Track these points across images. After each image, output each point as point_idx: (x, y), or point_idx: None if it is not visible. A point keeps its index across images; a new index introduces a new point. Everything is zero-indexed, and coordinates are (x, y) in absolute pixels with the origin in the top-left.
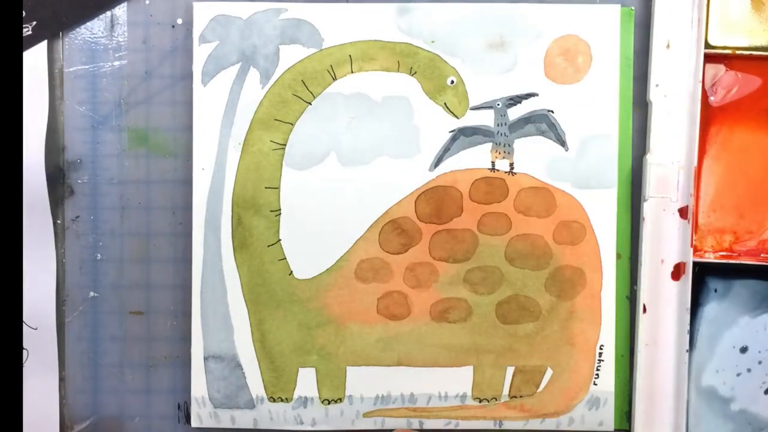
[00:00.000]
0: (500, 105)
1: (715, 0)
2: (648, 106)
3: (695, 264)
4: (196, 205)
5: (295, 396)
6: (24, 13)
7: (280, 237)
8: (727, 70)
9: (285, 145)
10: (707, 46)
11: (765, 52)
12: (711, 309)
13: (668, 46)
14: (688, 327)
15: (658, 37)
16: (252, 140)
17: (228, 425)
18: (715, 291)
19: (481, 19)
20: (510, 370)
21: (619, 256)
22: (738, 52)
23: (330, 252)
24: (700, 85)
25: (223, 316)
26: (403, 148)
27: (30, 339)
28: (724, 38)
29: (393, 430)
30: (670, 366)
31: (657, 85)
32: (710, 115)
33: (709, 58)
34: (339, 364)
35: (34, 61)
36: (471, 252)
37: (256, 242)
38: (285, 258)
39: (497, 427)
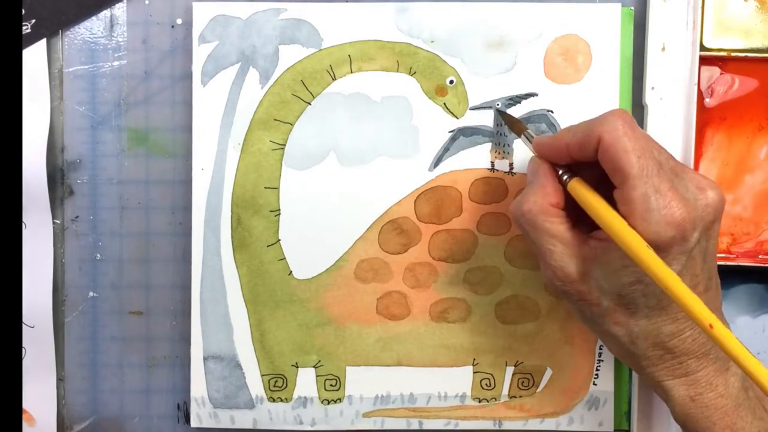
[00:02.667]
0: (500, 105)
1: (710, 2)
2: (644, 109)
3: None
4: (195, 205)
5: (295, 396)
6: (23, 11)
7: (280, 237)
8: (722, 73)
9: (284, 145)
10: (702, 48)
11: (760, 54)
12: None
13: (663, 48)
14: None
15: (653, 40)
16: (251, 140)
17: (228, 425)
18: None
19: (481, 19)
20: (509, 370)
21: None
22: (733, 54)
23: (329, 252)
24: (696, 87)
25: (223, 316)
26: (402, 148)
27: (27, 337)
28: (719, 40)
29: (392, 430)
30: None
31: (653, 88)
32: (706, 118)
33: (704, 60)
34: (339, 364)
35: (34, 61)
36: (470, 252)
37: (255, 242)
38: (284, 258)
39: (497, 427)
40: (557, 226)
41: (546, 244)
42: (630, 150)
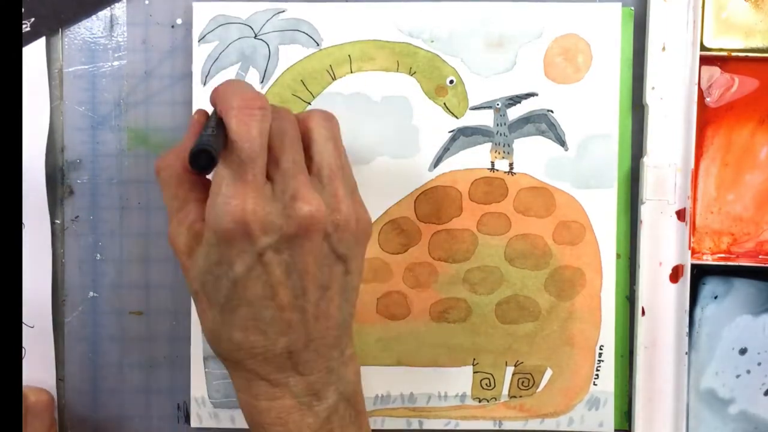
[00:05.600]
0: (500, 105)
1: (710, 2)
2: (644, 108)
3: (693, 266)
4: None
5: None
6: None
7: None
8: (722, 72)
9: None
10: (702, 48)
11: (760, 54)
12: (710, 311)
13: (664, 48)
14: (686, 329)
15: (653, 40)
16: None
17: (228, 425)
18: (714, 293)
19: (481, 18)
20: (509, 370)
21: (618, 256)
22: (733, 54)
23: None
24: (696, 87)
25: None
26: (402, 148)
27: (27, 337)
28: (719, 40)
29: (392, 430)
30: (670, 368)
31: (653, 88)
32: (707, 117)
33: (704, 60)
34: None
35: (34, 60)
36: (470, 252)
37: None
38: None
39: (497, 427)
40: (185, 193)
41: (169, 206)
42: (231, 130)
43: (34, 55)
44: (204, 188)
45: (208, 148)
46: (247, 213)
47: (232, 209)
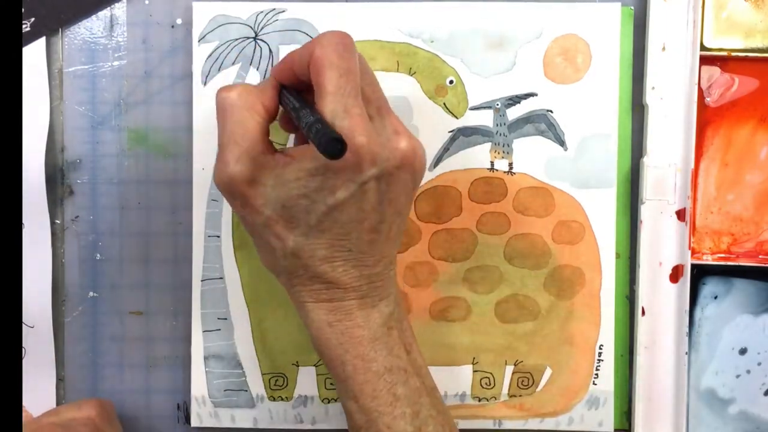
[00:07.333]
0: (499, 105)
1: (710, 2)
2: (644, 108)
3: (693, 266)
4: (195, 205)
5: (296, 395)
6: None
7: None
8: (722, 72)
9: (285, 144)
10: (702, 48)
11: (760, 54)
12: (710, 311)
13: (664, 48)
14: (686, 329)
15: (653, 40)
16: None
17: (228, 425)
18: (714, 293)
19: (481, 18)
20: (509, 370)
21: (618, 255)
22: (733, 54)
23: None
24: (696, 87)
25: (223, 316)
26: None
27: (27, 337)
28: (719, 40)
29: None
30: (670, 368)
31: (653, 88)
32: (707, 117)
33: (704, 60)
34: None
35: (34, 60)
36: (470, 251)
37: None
38: None
39: (496, 427)
40: (253, 122)
41: (233, 135)
42: (334, 66)
43: (34, 55)
44: (266, 127)
45: (341, 137)
46: (363, 145)
47: (347, 141)
